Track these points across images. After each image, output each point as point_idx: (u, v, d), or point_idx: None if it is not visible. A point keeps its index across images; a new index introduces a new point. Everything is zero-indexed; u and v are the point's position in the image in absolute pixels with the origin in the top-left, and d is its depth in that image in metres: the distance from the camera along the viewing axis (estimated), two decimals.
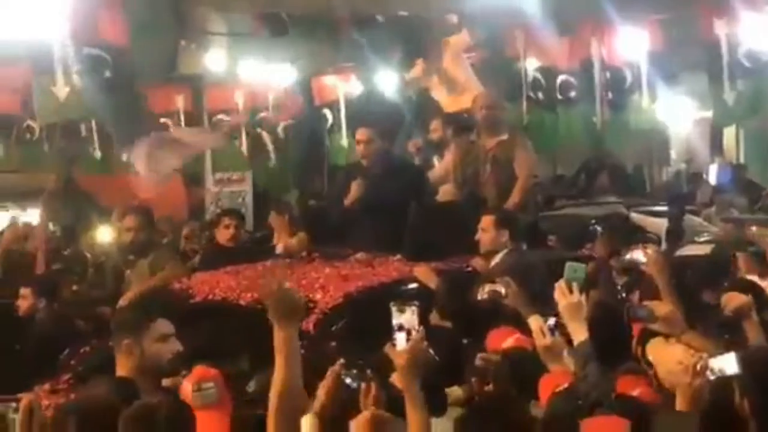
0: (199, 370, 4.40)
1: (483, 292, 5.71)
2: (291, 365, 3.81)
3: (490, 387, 4.72)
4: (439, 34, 10.77)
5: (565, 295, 4.71)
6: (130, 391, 4.44)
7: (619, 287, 7.12)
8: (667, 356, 4.56)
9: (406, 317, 4.04)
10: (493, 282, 5.86)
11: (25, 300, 7.96)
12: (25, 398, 3.96)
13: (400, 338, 4.02)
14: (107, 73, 10.40)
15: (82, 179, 13.28)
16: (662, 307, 4.78)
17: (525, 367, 4.82)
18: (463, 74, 10.43)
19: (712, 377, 3.98)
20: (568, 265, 4.84)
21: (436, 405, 4.26)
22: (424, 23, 11.35)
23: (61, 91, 10.37)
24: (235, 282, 6.98)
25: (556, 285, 4.77)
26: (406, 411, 3.91)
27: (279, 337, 3.83)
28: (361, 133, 8.31)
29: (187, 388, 4.27)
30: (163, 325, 4.96)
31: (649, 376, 4.58)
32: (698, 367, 3.98)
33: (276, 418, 3.82)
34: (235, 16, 13.64)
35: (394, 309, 4.08)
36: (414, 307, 4.09)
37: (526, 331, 5.16)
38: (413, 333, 4.02)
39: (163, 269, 7.98)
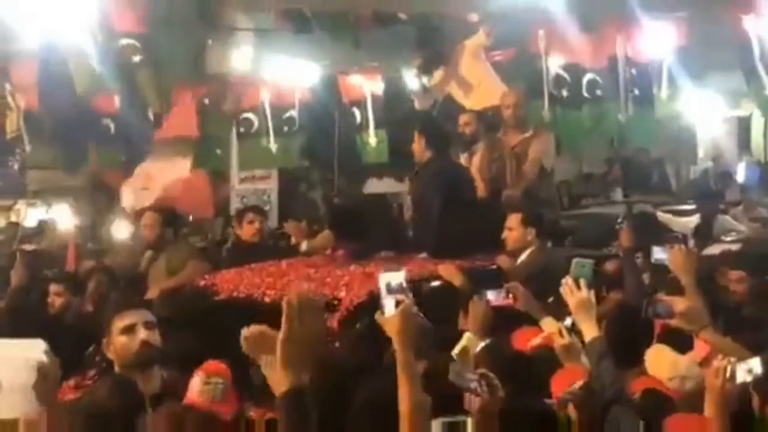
0: (210, 364, 4.41)
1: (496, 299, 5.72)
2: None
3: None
4: (459, 37, 10.74)
5: (572, 293, 4.68)
6: (129, 390, 4.42)
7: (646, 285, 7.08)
8: (661, 369, 4.55)
9: (395, 284, 3.97)
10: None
11: (59, 297, 7.97)
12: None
13: (389, 305, 3.94)
14: (136, 58, 10.59)
15: (108, 175, 13.33)
16: (681, 303, 4.75)
17: (548, 366, 4.80)
18: (482, 75, 10.42)
19: (749, 379, 3.95)
20: (575, 261, 4.81)
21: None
22: (445, 23, 11.32)
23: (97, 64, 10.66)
24: (259, 279, 6.99)
25: (563, 282, 4.73)
26: (398, 383, 3.79)
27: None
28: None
29: (196, 381, 4.29)
30: (127, 317, 4.79)
31: None
32: (727, 371, 3.95)
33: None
34: (260, 15, 13.64)
35: (382, 277, 4.02)
36: (403, 274, 4.04)
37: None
38: (404, 300, 3.94)
39: (179, 266, 8.00)
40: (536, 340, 5.28)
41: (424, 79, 10.81)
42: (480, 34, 10.53)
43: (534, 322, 5.59)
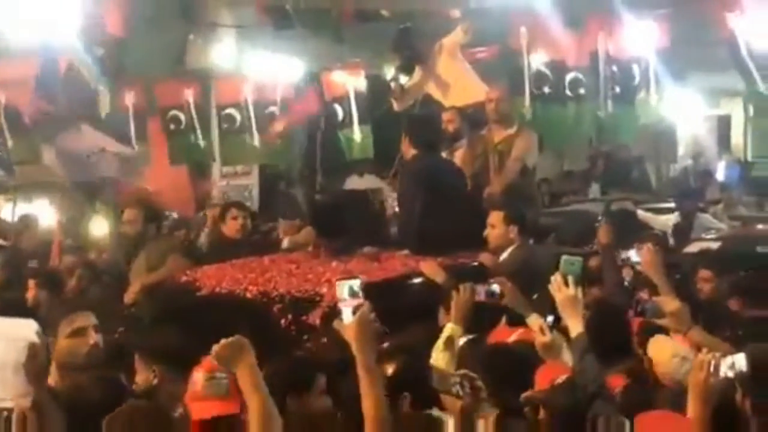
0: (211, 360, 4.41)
1: (479, 294, 5.71)
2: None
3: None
4: (441, 34, 10.71)
5: (560, 289, 4.71)
6: (113, 388, 4.41)
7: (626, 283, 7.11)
8: (664, 351, 4.58)
9: (352, 291, 4.18)
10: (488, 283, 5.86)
11: (30, 291, 7.97)
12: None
13: (347, 312, 4.13)
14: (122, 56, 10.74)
15: None
16: (670, 304, 4.78)
17: (530, 360, 4.81)
18: (458, 74, 10.35)
19: (731, 375, 3.97)
20: (564, 258, 4.83)
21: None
22: (426, 20, 11.28)
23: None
24: (241, 275, 6.99)
25: (552, 279, 4.75)
26: (360, 385, 3.90)
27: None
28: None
29: (198, 377, 4.28)
30: (77, 320, 4.85)
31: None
32: (711, 365, 3.96)
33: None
34: (242, 10, 13.65)
35: (339, 284, 4.24)
36: (359, 281, 4.23)
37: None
38: (361, 306, 4.11)
39: (159, 262, 7.97)
40: (513, 336, 5.30)
41: (403, 80, 10.78)
42: (458, 31, 10.47)
43: (511, 319, 5.59)
